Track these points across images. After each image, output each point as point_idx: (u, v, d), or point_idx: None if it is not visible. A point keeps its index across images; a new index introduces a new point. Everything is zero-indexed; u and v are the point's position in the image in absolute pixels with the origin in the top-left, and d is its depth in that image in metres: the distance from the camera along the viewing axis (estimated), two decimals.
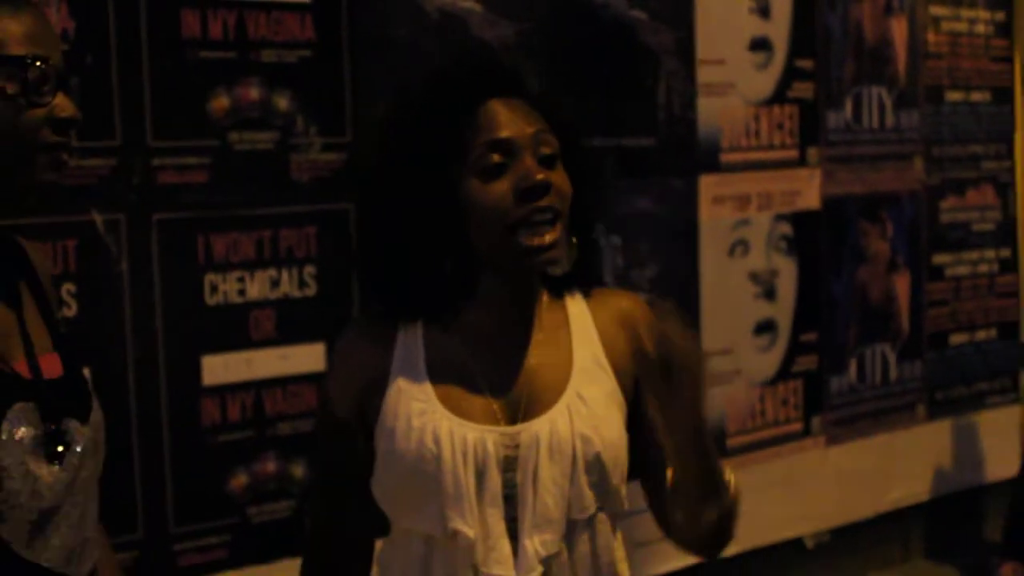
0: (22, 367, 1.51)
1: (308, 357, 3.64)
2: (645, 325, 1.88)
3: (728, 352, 4.67)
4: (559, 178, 1.75)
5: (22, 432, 1.43)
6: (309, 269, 3.65)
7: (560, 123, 1.81)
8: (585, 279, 1.90)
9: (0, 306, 1.56)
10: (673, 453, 1.72)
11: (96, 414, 1.59)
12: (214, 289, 3.48)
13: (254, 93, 3.53)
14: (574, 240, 1.81)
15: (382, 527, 1.89)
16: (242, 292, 3.54)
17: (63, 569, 1.47)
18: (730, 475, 1.79)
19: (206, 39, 3.43)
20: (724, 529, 1.81)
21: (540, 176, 1.70)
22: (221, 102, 3.48)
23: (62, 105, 1.53)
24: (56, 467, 1.47)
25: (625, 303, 1.93)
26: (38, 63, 1.49)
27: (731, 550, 4.64)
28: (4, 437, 1.41)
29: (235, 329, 3.51)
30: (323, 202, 3.66)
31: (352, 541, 1.92)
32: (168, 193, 3.38)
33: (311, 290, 3.65)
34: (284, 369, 3.60)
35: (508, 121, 1.74)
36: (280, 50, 3.57)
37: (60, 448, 1.48)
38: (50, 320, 1.65)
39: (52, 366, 1.57)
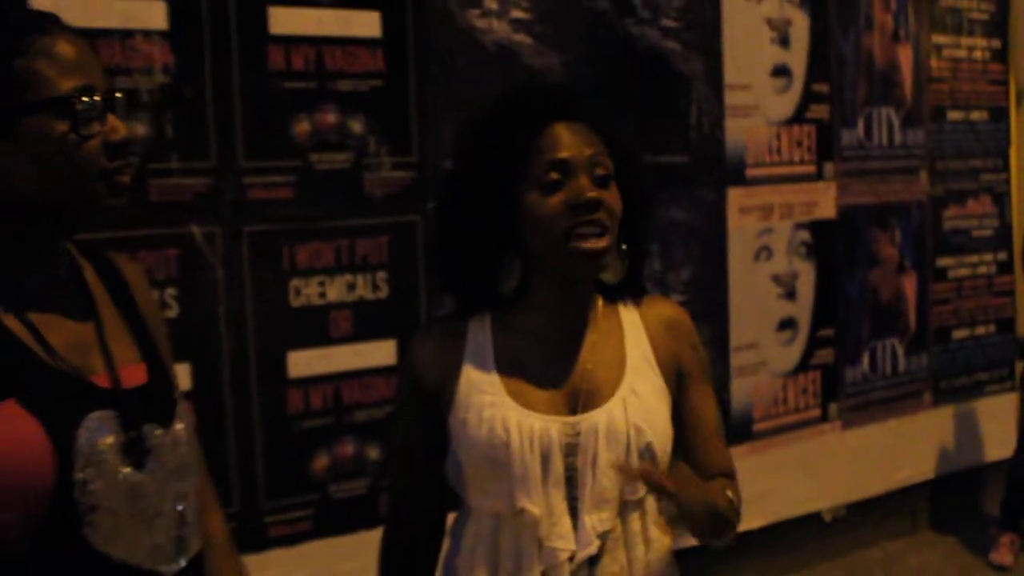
0: (102, 379, 1.45)
1: (381, 352, 3.64)
2: (686, 332, 1.91)
3: (754, 346, 4.66)
4: (610, 197, 1.74)
5: (104, 440, 1.38)
6: (381, 274, 3.64)
7: (616, 146, 1.80)
8: (636, 287, 1.90)
9: (81, 322, 1.49)
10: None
11: (181, 418, 1.53)
12: (298, 292, 3.49)
13: (332, 118, 3.53)
14: (624, 248, 1.81)
15: (453, 503, 1.89)
16: (322, 295, 3.54)
17: (151, 566, 1.43)
18: (734, 495, 1.81)
19: (290, 71, 3.44)
20: (725, 539, 1.84)
21: (591, 194, 1.70)
22: (303, 126, 3.48)
23: (113, 128, 1.43)
24: (138, 472, 1.42)
25: (671, 311, 1.93)
26: (84, 97, 1.39)
27: (756, 523, 4.69)
28: (84, 445, 1.36)
29: (316, 328, 3.52)
30: (393, 215, 3.66)
31: (426, 515, 1.92)
32: (257, 208, 3.39)
33: (383, 293, 3.65)
34: (359, 363, 3.60)
35: (568, 143, 1.74)
36: (355, 80, 3.57)
37: (141, 454, 1.43)
38: (139, 331, 1.58)
39: (136, 376, 1.51)
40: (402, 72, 3.67)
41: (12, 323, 1.40)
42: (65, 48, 1.40)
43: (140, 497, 1.42)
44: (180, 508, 1.49)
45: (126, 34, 3.14)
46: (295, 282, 3.48)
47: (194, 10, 3.26)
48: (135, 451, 1.42)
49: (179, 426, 1.51)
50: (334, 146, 3.54)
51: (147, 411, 1.46)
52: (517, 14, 3.91)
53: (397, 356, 3.64)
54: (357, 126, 3.58)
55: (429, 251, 3.66)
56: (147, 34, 3.18)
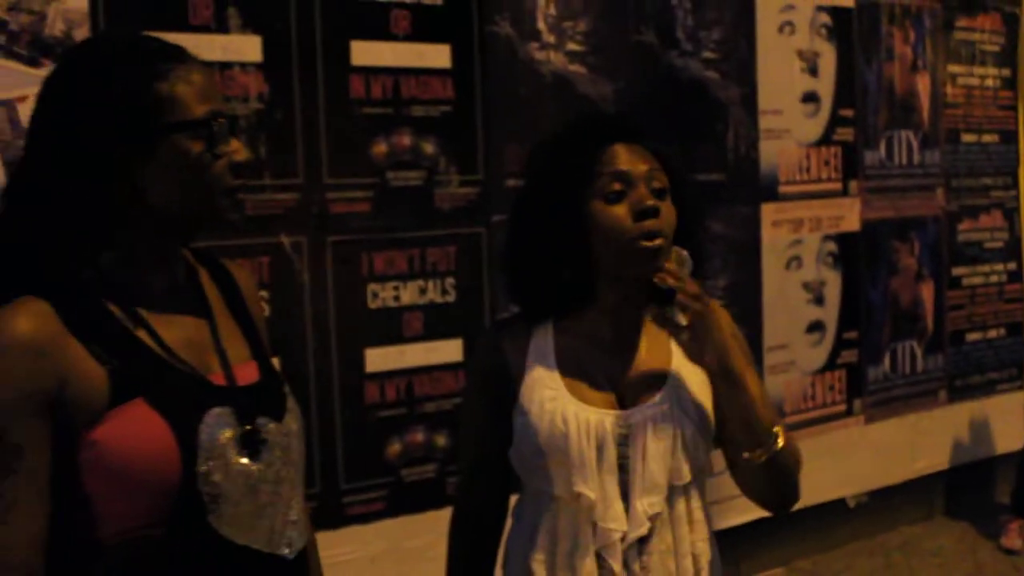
0: (218, 377, 1.44)
1: (448, 350, 3.64)
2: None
3: (785, 347, 4.62)
4: (666, 208, 1.74)
5: (223, 435, 1.37)
6: (450, 280, 3.65)
7: (668, 165, 1.80)
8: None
9: (199, 323, 1.48)
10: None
11: (291, 413, 1.51)
12: (375, 296, 3.50)
13: (406, 140, 3.54)
14: (685, 254, 1.79)
15: (516, 486, 1.89)
16: (396, 298, 3.54)
17: (271, 549, 1.43)
18: (778, 429, 1.75)
19: (369, 98, 3.45)
20: (781, 481, 1.78)
21: (651, 202, 1.71)
22: (380, 148, 3.49)
23: (237, 150, 1.42)
24: (255, 464, 1.40)
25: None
26: (217, 119, 1.39)
27: None
28: (205, 440, 1.35)
29: (391, 328, 3.53)
30: (460, 227, 3.67)
31: (492, 498, 1.93)
32: (339, 220, 3.40)
33: (451, 297, 3.65)
34: (430, 360, 3.61)
35: (627, 159, 1.74)
36: (427, 106, 3.58)
37: (256, 445, 1.41)
38: (249, 331, 1.57)
39: (248, 373, 1.49)
40: (469, 99, 3.68)
41: (137, 326, 1.39)
42: (198, 76, 1.40)
43: (257, 486, 1.41)
44: (293, 495, 1.48)
45: (225, 66, 3.16)
46: (372, 286, 3.49)
47: (285, 44, 3.29)
48: (251, 443, 1.41)
49: (289, 419, 1.50)
50: (408, 165, 3.55)
51: (260, 406, 1.45)
52: (572, 47, 3.91)
53: (463, 354, 3.64)
54: (429, 147, 3.58)
55: (494, 259, 3.67)
56: (244, 66, 3.21)
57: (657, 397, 1.76)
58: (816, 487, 4.65)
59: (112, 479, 1.31)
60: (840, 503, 4.92)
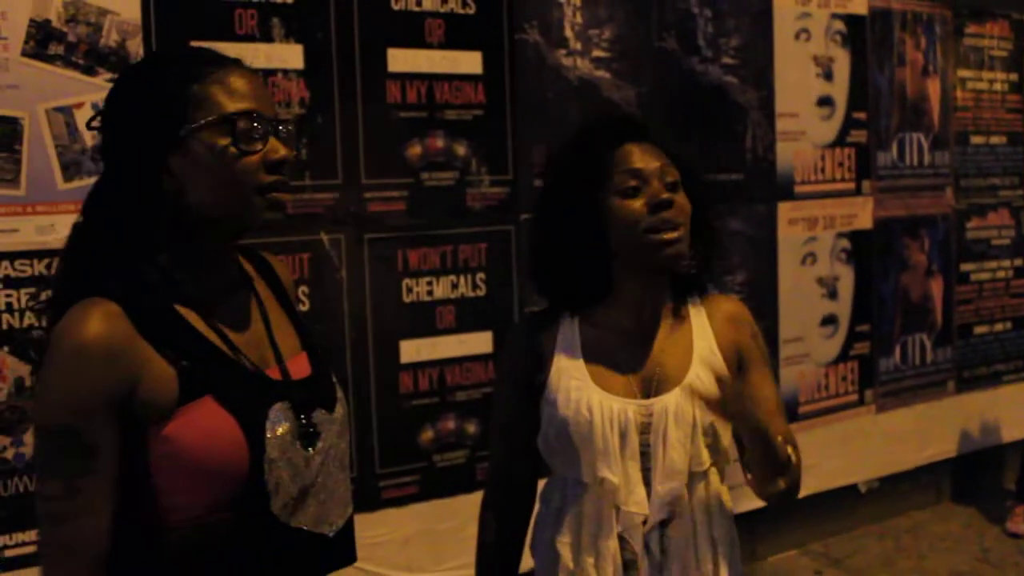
0: (274, 372, 1.45)
1: (479, 342, 3.65)
2: (746, 323, 1.90)
3: (800, 340, 4.60)
4: (680, 198, 1.76)
5: (282, 428, 1.39)
6: (480, 275, 3.65)
7: (679, 161, 1.81)
8: (702, 285, 1.89)
9: (254, 319, 1.48)
10: (746, 435, 1.69)
11: (340, 403, 1.52)
12: (409, 290, 3.50)
13: (440, 143, 3.54)
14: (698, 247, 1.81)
15: (544, 471, 1.90)
16: (430, 292, 3.55)
17: (317, 529, 1.44)
18: (795, 456, 1.77)
19: (404, 102, 3.46)
20: (789, 493, 1.80)
21: (666, 195, 1.73)
22: (415, 149, 3.50)
23: (274, 148, 1.38)
24: (310, 452, 1.42)
25: (733, 307, 1.92)
26: (244, 116, 1.36)
27: (800, 493, 4.61)
28: (269, 435, 1.37)
29: (424, 320, 3.54)
30: (491, 225, 3.67)
31: (521, 482, 1.94)
32: (376, 218, 3.41)
33: (481, 291, 3.65)
34: (461, 351, 3.61)
35: (640, 157, 1.76)
36: (459, 110, 3.58)
37: (312, 436, 1.43)
38: (297, 323, 1.57)
39: (301, 366, 1.50)
40: (499, 103, 3.67)
41: (200, 325, 1.39)
42: (237, 79, 1.39)
43: (311, 473, 1.43)
44: (339, 478, 1.49)
45: (269, 73, 3.17)
46: (407, 281, 3.50)
47: (326, 52, 3.30)
48: (306, 435, 1.42)
49: (339, 408, 1.51)
50: (441, 166, 3.55)
51: (314, 398, 1.46)
52: (598, 53, 3.90)
53: (493, 345, 3.64)
54: (461, 149, 3.58)
55: (523, 255, 3.67)
56: (286, 73, 3.22)
57: (678, 388, 1.76)
58: (829, 473, 4.65)
59: (183, 472, 1.32)
60: (852, 489, 4.90)
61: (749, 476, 1.80)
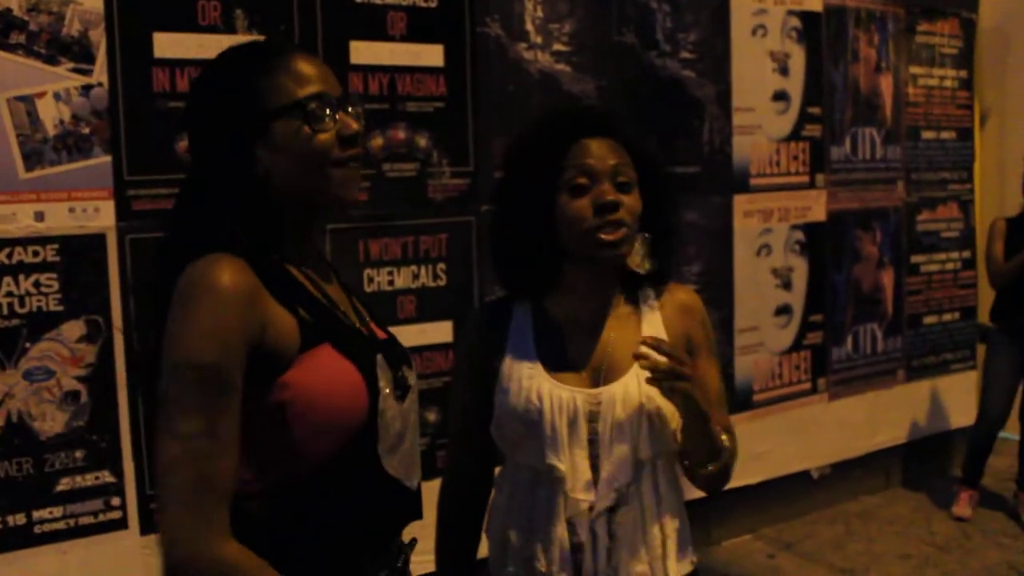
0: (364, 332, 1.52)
1: (440, 332, 3.64)
2: (696, 312, 1.91)
3: (755, 329, 4.63)
4: (630, 199, 1.75)
5: (386, 377, 1.44)
6: (441, 266, 3.64)
7: (641, 157, 1.81)
8: (658, 277, 1.89)
9: (337, 291, 1.54)
10: (684, 412, 1.73)
11: (414, 365, 1.59)
12: (371, 280, 3.50)
13: (402, 134, 3.53)
14: (648, 238, 1.81)
15: (499, 459, 1.90)
16: (391, 282, 3.54)
17: (406, 480, 1.49)
18: (731, 443, 1.82)
19: (367, 94, 3.44)
20: (723, 478, 1.84)
21: (611, 197, 1.72)
22: (377, 141, 3.48)
23: (346, 124, 1.44)
24: (403, 405, 1.48)
25: (685, 296, 1.92)
26: (314, 99, 1.42)
27: (754, 479, 4.67)
28: (381, 382, 1.42)
29: (386, 310, 3.52)
30: (452, 216, 3.66)
31: (478, 469, 1.95)
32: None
33: (442, 282, 3.65)
34: (422, 340, 3.61)
35: (594, 154, 1.75)
36: (421, 102, 3.57)
37: (404, 389, 1.49)
38: (364, 302, 1.63)
39: (379, 332, 1.56)
40: (461, 95, 3.66)
41: (308, 284, 1.45)
42: (301, 64, 1.45)
43: (405, 424, 1.48)
44: (416, 436, 1.55)
45: None
46: (368, 271, 3.49)
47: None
48: (400, 387, 1.48)
49: (414, 367, 1.58)
50: (403, 157, 3.54)
51: (399, 357, 1.52)
52: (558, 47, 3.90)
53: (454, 335, 3.64)
54: (423, 141, 3.57)
55: (483, 246, 3.67)
56: None
57: (625, 376, 1.77)
58: (782, 460, 4.70)
59: (306, 417, 1.35)
60: (804, 475, 4.95)
61: (685, 463, 1.82)
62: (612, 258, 1.75)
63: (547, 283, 1.82)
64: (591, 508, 1.73)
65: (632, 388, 1.75)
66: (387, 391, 1.43)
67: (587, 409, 1.74)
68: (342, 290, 1.56)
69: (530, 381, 1.76)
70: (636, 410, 1.74)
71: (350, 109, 1.47)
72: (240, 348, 1.31)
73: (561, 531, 1.74)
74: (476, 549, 1.96)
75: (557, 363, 1.78)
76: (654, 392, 1.74)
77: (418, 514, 1.55)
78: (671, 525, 1.80)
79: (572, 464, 1.73)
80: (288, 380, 1.34)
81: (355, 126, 1.45)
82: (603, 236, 1.71)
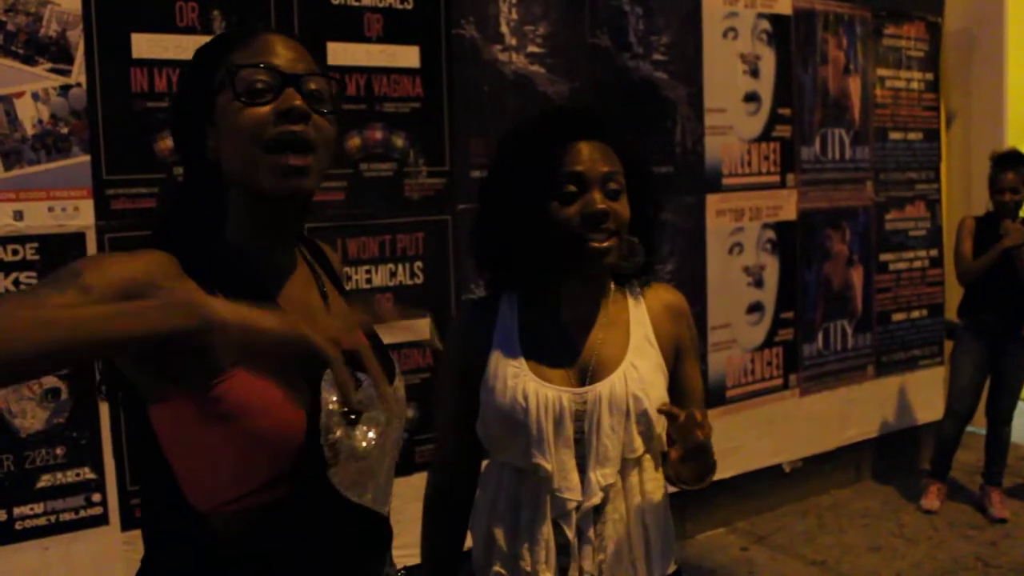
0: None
1: (417, 329, 3.63)
2: (684, 315, 1.90)
3: (727, 326, 4.65)
4: (620, 207, 1.73)
5: (334, 396, 1.26)
6: (418, 264, 3.64)
7: (632, 163, 1.79)
8: (645, 277, 1.88)
9: (313, 295, 1.41)
10: (674, 431, 1.68)
11: (399, 379, 1.44)
12: (348, 278, 3.48)
13: (378, 134, 3.53)
14: (636, 243, 1.80)
15: (484, 456, 1.89)
16: (369, 280, 3.54)
17: (375, 507, 1.36)
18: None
19: (344, 95, 3.43)
20: (703, 484, 1.84)
21: (601, 206, 1.70)
22: (355, 141, 3.48)
23: (287, 97, 1.26)
24: (358, 428, 1.31)
25: (672, 297, 1.90)
26: (249, 67, 1.26)
27: (728, 473, 4.68)
28: (323, 399, 1.26)
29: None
30: (428, 214, 3.66)
31: (464, 466, 1.92)
32: (317, 208, 3.32)
33: (419, 279, 3.65)
34: (399, 338, 3.58)
35: (586, 159, 1.72)
36: (397, 103, 3.57)
37: (357, 411, 1.31)
38: (350, 303, 1.49)
39: (358, 341, 1.38)
40: (437, 96, 3.67)
41: (259, 290, 1.32)
42: (262, 40, 1.30)
43: (363, 450, 1.32)
44: (391, 456, 1.41)
45: None
46: (347, 269, 3.48)
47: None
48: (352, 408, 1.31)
49: (398, 383, 1.44)
50: (380, 157, 3.54)
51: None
52: (533, 49, 3.91)
53: (430, 332, 3.64)
54: (399, 141, 3.57)
55: (459, 244, 3.67)
56: None
57: (612, 375, 1.75)
58: (754, 454, 4.72)
59: (236, 436, 1.22)
60: (777, 469, 4.97)
61: (673, 476, 1.82)
62: (599, 266, 1.74)
63: (534, 282, 1.80)
64: (577, 507, 1.72)
65: (619, 387, 1.74)
66: (331, 408, 1.27)
67: (573, 408, 1.72)
68: (319, 294, 1.42)
69: (515, 380, 1.74)
70: (623, 409, 1.73)
71: (310, 87, 1.29)
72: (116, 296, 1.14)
73: (547, 531, 1.73)
74: (462, 544, 1.95)
75: (543, 361, 1.76)
76: (641, 392, 1.74)
77: (388, 540, 1.44)
78: (655, 524, 1.80)
79: (558, 463, 1.72)
80: (219, 393, 1.21)
81: (297, 101, 1.26)
82: (592, 245, 1.69)
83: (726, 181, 4.62)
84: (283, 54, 1.29)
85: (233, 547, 1.26)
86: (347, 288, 1.62)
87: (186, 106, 1.33)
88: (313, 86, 1.31)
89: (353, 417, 1.31)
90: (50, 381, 2.90)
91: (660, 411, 1.66)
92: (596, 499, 1.72)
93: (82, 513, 2.97)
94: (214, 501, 1.25)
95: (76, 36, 2.92)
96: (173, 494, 1.26)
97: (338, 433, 1.28)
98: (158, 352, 1.12)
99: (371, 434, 1.33)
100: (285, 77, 1.27)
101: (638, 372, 1.76)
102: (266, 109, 1.26)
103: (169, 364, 1.19)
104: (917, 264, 5.64)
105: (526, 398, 1.72)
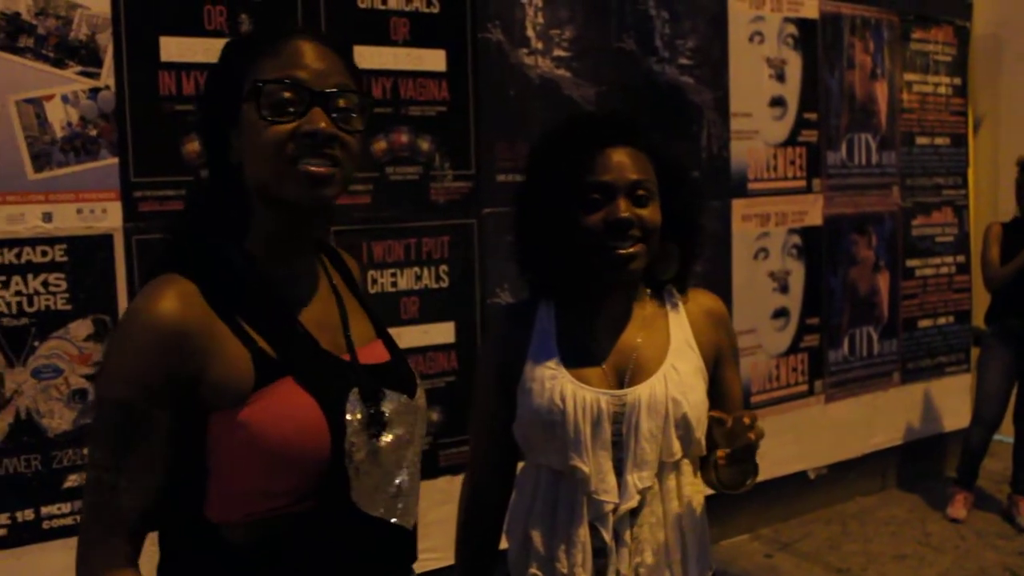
0: (346, 357, 1.36)
1: (442, 332, 3.64)
2: (723, 321, 1.89)
3: (753, 332, 4.63)
4: (648, 213, 1.72)
5: (358, 413, 1.30)
6: (443, 267, 3.64)
7: (665, 169, 1.78)
8: (681, 282, 1.87)
9: (329, 306, 1.40)
10: (720, 435, 1.66)
11: (420, 390, 1.43)
12: (374, 281, 3.49)
13: (404, 138, 3.53)
14: (672, 249, 1.79)
15: (518, 459, 1.89)
16: (394, 284, 3.54)
17: (392, 519, 1.36)
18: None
19: (374, 102, 3.42)
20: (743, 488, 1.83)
21: (624, 215, 1.69)
22: (380, 144, 3.48)
23: (310, 120, 1.25)
24: (378, 442, 1.32)
25: (712, 303, 1.90)
26: (275, 83, 1.25)
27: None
28: (349, 417, 1.29)
29: (389, 311, 3.52)
30: (454, 218, 3.66)
31: (499, 469, 1.92)
32: (342, 211, 3.39)
33: (445, 283, 3.65)
34: (425, 341, 3.60)
35: (613, 167, 1.72)
36: (423, 106, 3.57)
37: (382, 424, 1.33)
38: (370, 313, 1.49)
39: (378, 352, 1.42)
40: (463, 100, 3.67)
41: (280, 308, 1.33)
42: (293, 46, 1.28)
43: (385, 460, 1.34)
44: (414, 470, 1.41)
45: None
46: (372, 273, 3.48)
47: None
48: (377, 422, 1.32)
49: (419, 395, 1.43)
50: (406, 161, 3.54)
51: (391, 383, 1.37)
52: (558, 52, 3.90)
53: (455, 335, 3.64)
54: (425, 144, 3.57)
55: (484, 248, 3.67)
56: None
57: (652, 378, 1.74)
58: (779, 461, 4.69)
59: (261, 459, 1.23)
60: (801, 475, 4.94)
61: (710, 475, 1.82)
62: (623, 275, 1.73)
63: (570, 286, 1.80)
64: (614, 510, 1.71)
65: (659, 390, 1.73)
66: (355, 426, 1.29)
67: (611, 411, 1.72)
68: (339, 308, 1.42)
69: (553, 382, 1.73)
70: (662, 413, 1.72)
71: (338, 104, 1.28)
72: (164, 386, 1.22)
73: (584, 533, 1.72)
74: (497, 546, 1.95)
75: (580, 364, 1.75)
76: (680, 395, 1.73)
77: (412, 556, 1.44)
78: (693, 529, 1.79)
79: (596, 466, 1.71)
80: (245, 418, 1.23)
81: (321, 124, 1.25)
82: (617, 252, 1.69)
83: (752, 186, 4.60)
84: (312, 66, 1.27)
85: (250, 557, 1.27)
86: (371, 293, 1.62)
87: (212, 107, 1.33)
88: (343, 103, 1.29)
89: (376, 433, 1.32)
90: (77, 382, 2.92)
91: (710, 416, 1.65)
92: (633, 502, 1.72)
93: None
94: (234, 514, 1.27)
95: (105, 39, 2.94)
96: (193, 501, 1.28)
97: (361, 452, 1.29)
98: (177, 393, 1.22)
99: (391, 447, 1.34)
100: (313, 95, 1.26)
101: (679, 375, 1.75)
102: (290, 127, 1.25)
103: (194, 397, 1.24)
104: (944, 270, 5.60)
105: (563, 400, 1.71)
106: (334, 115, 1.27)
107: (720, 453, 1.65)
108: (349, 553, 1.32)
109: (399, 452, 1.36)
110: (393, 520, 1.36)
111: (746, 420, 1.60)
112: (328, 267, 1.48)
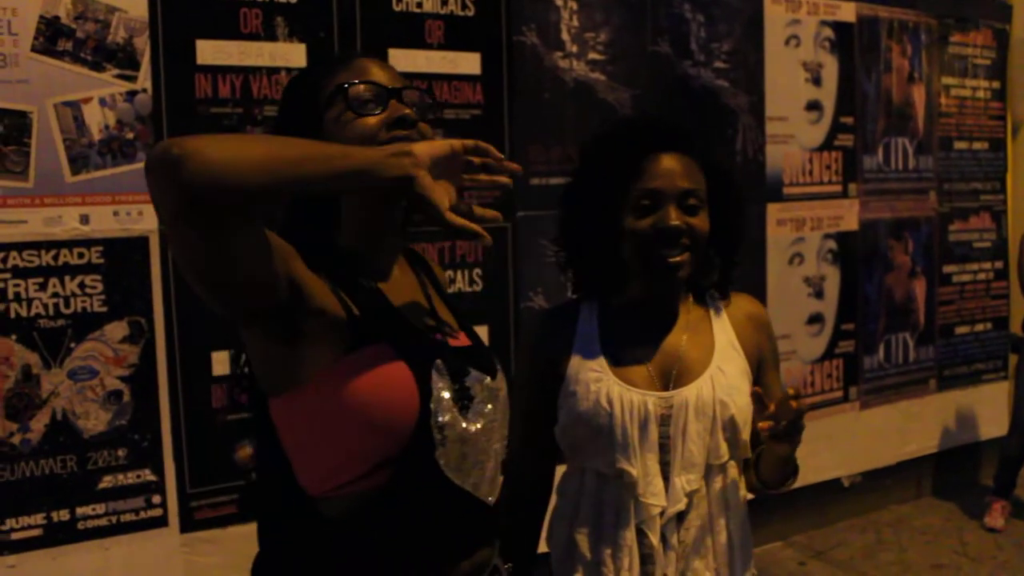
0: (436, 337, 1.45)
1: None
2: (765, 325, 1.89)
3: (787, 337, 4.58)
4: (698, 222, 1.71)
5: (445, 383, 1.36)
6: (477, 271, 3.63)
7: (715, 176, 1.77)
8: (724, 287, 1.86)
9: (418, 297, 1.50)
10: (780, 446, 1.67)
11: (501, 374, 1.50)
12: None
13: None
14: (713, 258, 1.79)
15: (556, 461, 1.88)
16: None
17: (477, 494, 1.42)
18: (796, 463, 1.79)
19: (436, 103, 3.43)
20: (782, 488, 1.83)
21: (674, 223, 1.68)
22: None
23: (395, 109, 1.40)
24: (467, 413, 1.40)
25: (753, 307, 1.90)
26: (356, 84, 1.40)
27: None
28: (434, 385, 1.35)
29: None
30: (487, 221, 3.62)
31: (539, 472, 1.92)
32: None
33: (478, 286, 3.63)
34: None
35: (664, 174, 1.71)
36: (458, 109, 3.56)
37: (468, 398, 1.41)
38: (453, 308, 1.58)
39: (460, 340, 1.49)
40: (497, 103, 3.66)
41: (375, 285, 1.43)
42: (359, 62, 1.45)
43: (470, 435, 1.40)
44: (498, 449, 1.47)
45: (272, 71, 3.15)
46: None
47: (328, 51, 3.27)
48: (463, 396, 1.40)
49: (500, 378, 1.50)
50: None
51: (474, 364, 1.45)
52: (593, 56, 3.88)
53: (489, 339, 3.62)
54: None
55: (518, 251, 3.65)
56: (290, 71, 3.19)
57: (699, 380, 1.74)
58: (813, 468, 4.64)
59: (351, 420, 1.30)
60: (835, 483, 4.90)
61: (756, 482, 1.81)
62: (670, 282, 1.72)
63: (614, 287, 1.80)
64: (661, 513, 1.71)
65: (706, 392, 1.72)
66: (444, 396, 1.36)
67: (658, 413, 1.71)
68: (426, 298, 1.51)
69: (598, 384, 1.72)
70: (710, 415, 1.71)
71: (405, 97, 1.44)
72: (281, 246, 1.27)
73: (631, 537, 1.71)
74: (535, 549, 1.94)
75: (626, 365, 1.75)
76: (728, 397, 1.72)
77: (494, 532, 1.49)
78: (738, 532, 1.78)
79: (643, 468, 1.70)
80: (338, 378, 1.30)
81: (401, 112, 1.41)
82: (666, 260, 1.68)
83: (787, 190, 4.56)
84: (380, 73, 1.45)
85: (343, 531, 1.33)
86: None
87: (293, 122, 1.44)
88: (412, 98, 1.47)
89: (462, 404, 1.39)
90: (113, 383, 2.93)
91: (752, 393, 1.64)
92: (680, 505, 1.71)
93: (142, 515, 2.99)
94: (326, 486, 1.33)
95: (142, 43, 2.95)
96: (288, 481, 1.35)
97: (447, 417, 1.35)
98: (297, 319, 1.28)
99: (478, 423, 1.41)
100: (389, 91, 1.43)
101: (725, 377, 1.74)
102: (375, 120, 1.41)
103: (300, 342, 1.30)
104: (981, 276, 5.53)
105: (610, 402, 1.71)
106: (408, 106, 1.44)
107: (763, 425, 1.62)
108: (440, 527, 1.38)
109: (485, 430, 1.42)
110: (476, 493, 1.41)
111: (790, 390, 1.59)
112: (414, 266, 1.57)
